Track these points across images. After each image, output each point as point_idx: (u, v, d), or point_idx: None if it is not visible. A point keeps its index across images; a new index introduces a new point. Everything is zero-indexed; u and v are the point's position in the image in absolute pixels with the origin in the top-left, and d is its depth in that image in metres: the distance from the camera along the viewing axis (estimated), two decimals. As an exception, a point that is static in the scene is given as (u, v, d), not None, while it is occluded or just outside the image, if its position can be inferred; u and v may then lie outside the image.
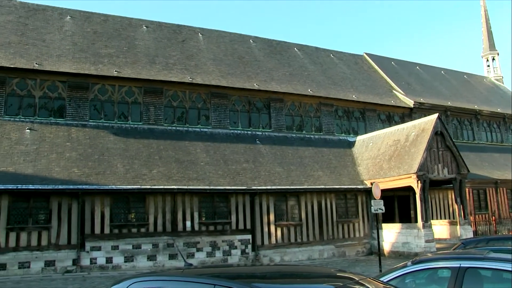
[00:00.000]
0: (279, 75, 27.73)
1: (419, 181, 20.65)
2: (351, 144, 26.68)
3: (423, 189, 20.80)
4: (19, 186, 16.92)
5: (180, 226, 19.28)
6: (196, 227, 19.57)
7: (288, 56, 30.62)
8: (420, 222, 20.77)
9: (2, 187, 16.70)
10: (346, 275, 4.05)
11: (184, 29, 28.81)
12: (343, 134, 27.62)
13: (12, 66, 20.67)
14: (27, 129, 19.80)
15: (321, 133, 26.72)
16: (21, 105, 20.68)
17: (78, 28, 25.24)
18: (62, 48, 23.19)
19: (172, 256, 18.88)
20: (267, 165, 22.35)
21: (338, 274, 4.14)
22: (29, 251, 16.98)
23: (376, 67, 34.64)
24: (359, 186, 23.14)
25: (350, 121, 28.40)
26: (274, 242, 20.96)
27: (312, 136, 26.18)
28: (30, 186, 17.09)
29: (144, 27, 27.37)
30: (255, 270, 4.84)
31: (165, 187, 18.94)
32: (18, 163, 17.99)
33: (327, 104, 27.44)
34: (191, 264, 5.18)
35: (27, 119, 20.35)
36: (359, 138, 26.82)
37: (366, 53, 36.26)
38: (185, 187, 19.26)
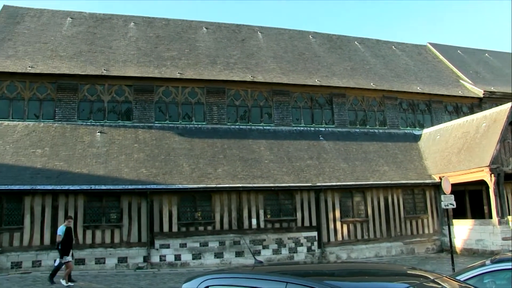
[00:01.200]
0: (340, 69, 27.32)
1: (492, 175, 19.61)
2: (417, 138, 25.81)
3: (497, 183, 19.72)
4: (93, 187, 17.83)
5: (246, 224, 19.48)
6: (262, 225, 19.69)
7: (349, 50, 30.10)
8: (495, 218, 19.73)
9: (78, 188, 17.71)
10: (420, 273, 3.89)
11: (243, 28, 29.08)
12: (408, 128, 26.76)
13: (83, 73, 21.82)
14: (98, 132, 20.78)
15: (386, 127, 26.05)
16: (92, 110, 21.75)
17: (142, 33, 26.18)
18: (127, 53, 24.12)
19: (238, 254, 19.11)
20: (331, 161, 22.09)
21: (410, 272, 3.99)
22: (104, 248, 17.86)
23: (441, 57, 33.27)
24: (427, 181, 22.33)
25: (416, 114, 27.45)
26: (340, 239, 20.70)
27: (376, 131, 25.58)
28: (103, 187, 17.96)
29: (204, 29, 27.89)
30: (326, 267, 4.77)
31: (230, 185, 19.19)
32: (91, 164, 18.91)
33: (390, 97, 26.70)
34: (261, 262, 5.18)
35: (97, 123, 21.37)
36: (425, 131, 25.89)
37: (429, 43, 34.90)
38: (250, 185, 19.41)
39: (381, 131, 25.71)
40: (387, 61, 30.29)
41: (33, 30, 24.66)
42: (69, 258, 13.78)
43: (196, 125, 22.54)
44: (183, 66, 23.85)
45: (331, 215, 20.67)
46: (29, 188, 17.32)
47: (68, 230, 14.10)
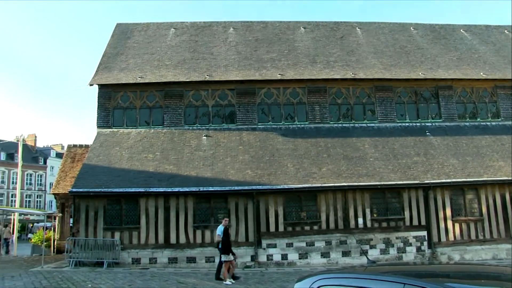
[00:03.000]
0: (445, 60, 25.84)
1: None
2: (538, 129, 23.59)
3: None
4: (201, 189, 18.61)
5: (352, 223, 19.18)
6: (368, 224, 19.28)
7: (454, 39, 28.36)
8: None
9: (187, 190, 18.58)
10: None
11: (341, 25, 28.63)
12: (527, 119, 24.48)
13: (188, 80, 22.83)
14: (204, 136, 21.63)
15: (499, 120, 24.09)
16: (197, 114, 22.69)
17: (241, 38, 26.81)
18: (228, 58, 24.82)
19: (345, 253, 18.87)
20: (440, 157, 21.00)
21: None
22: (213, 247, 18.37)
23: None
24: (551, 177, 20.34)
25: (535, 103, 25.05)
26: (452, 239, 19.60)
27: (488, 123, 23.80)
28: (210, 188, 18.66)
29: (302, 29, 27.89)
30: (441, 268, 4.50)
31: (336, 184, 19.02)
32: (198, 167, 19.72)
33: (504, 86, 24.66)
34: (374, 262, 5.04)
35: (203, 127, 22.24)
36: (547, 121, 23.58)
37: (549, 24, 31.56)
38: (356, 183, 19.09)
39: (494, 123, 23.88)
40: (499, 47, 28.04)
41: (141, 43, 26.32)
42: (230, 256, 14.21)
43: (298, 125, 22.62)
44: (283, 67, 24.05)
45: (441, 214, 19.68)
46: (143, 190, 18.52)
47: (225, 230, 14.63)
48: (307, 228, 19.06)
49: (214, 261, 18.26)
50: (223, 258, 14.25)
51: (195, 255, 18.41)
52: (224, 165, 19.92)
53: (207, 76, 23.09)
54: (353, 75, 23.56)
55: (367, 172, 19.69)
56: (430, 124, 23.27)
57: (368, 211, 19.35)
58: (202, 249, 18.52)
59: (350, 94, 23.46)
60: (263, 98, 23.09)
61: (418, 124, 23.22)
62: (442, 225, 19.60)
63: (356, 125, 22.84)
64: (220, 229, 14.96)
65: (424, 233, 19.48)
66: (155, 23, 28.38)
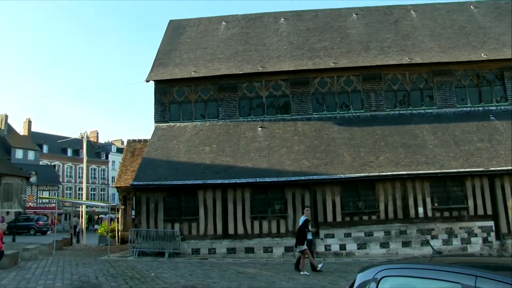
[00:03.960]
0: (512, 39, 24.29)
1: None
2: None
3: None
4: (258, 180, 18.71)
5: (412, 213, 18.65)
6: (429, 213, 18.66)
7: (523, 15, 26.52)
8: None
9: (244, 181, 18.75)
10: None
11: (394, 9, 27.71)
12: None
13: (241, 72, 22.98)
14: (259, 127, 21.73)
15: None
16: (251, 106, 22.79)
17: (292, 28, 26.61)
18: (280, 48, 24.72)
19: (405, 243, 18.41)
20: (506, 142, 19.79)
21: None
22: (271, 238, 18.63)
23: None
24: None
25: None
26: (524, 231, 18.54)
27: None
28: (267, 179, 18.73)
29: (354, 15, 27.26)
30: None
31: (394, 173, 18.53)
32: (254, 158, 19.83)
33: None
34: (439, 252, 4.84)
35: (257, 118, 22.32)
36: None
37: None
38: (415, 172, 18.51)
39: None
40: None
41: (193, 38, 26.70)
42: (302, 247, 13.98)
43: (354, 114, 22.22)
44: (336, 55, 23.66)
45: (510, 203, 18.62)
46: (201, 182, 18.86)
47: (305, 221, 14.38)
48: (365, 218, 18.74)
49: (272, 252, 18.45)
50: (297, 248, 14.13)
51: (253, 246, 18.59)
52: (280, 155, 19.91)
53: (260, 68, 23.11)
54: (409, 60, 22.76)
55: (426, 160, 19.03)
56: (494, 108, 22.11)
57: (428, 200, 18.72)
58: (260, 239, 18.65)
59: (406, 80, 22.71)
60: (317, 87, 22.82)
61: (480, 108, 22.13)
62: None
63: (414, 111, 22.09)
64: (301, 220, 14.82)
65: (491, 223, 18.56)
66: (207, 18, 28.68)
